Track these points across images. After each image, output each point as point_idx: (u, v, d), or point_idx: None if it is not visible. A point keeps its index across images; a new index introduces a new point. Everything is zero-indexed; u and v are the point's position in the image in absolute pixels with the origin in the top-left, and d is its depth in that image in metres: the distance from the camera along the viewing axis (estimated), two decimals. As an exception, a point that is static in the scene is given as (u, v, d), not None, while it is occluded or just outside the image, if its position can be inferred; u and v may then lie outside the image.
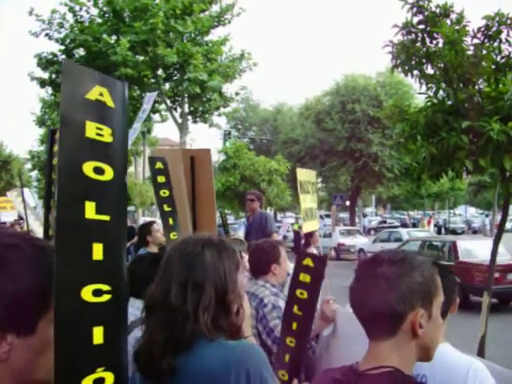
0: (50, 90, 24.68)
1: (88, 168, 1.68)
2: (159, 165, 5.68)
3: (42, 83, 22.91)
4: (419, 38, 6.80)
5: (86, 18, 22.37)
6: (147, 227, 7.72)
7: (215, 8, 22.68)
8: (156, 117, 25.15)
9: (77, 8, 22.20)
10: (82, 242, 1.64)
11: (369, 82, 42.94)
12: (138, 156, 28.03)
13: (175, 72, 21.98)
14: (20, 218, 19.65)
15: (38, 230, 8.92)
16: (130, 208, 34.86)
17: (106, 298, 1.67)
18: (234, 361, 1.93)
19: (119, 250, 1.76)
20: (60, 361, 1.49)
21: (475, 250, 16.51)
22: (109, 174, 1.74)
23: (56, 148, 4.56)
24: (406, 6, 6.75)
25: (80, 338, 1.62)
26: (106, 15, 22.25)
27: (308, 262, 3.62)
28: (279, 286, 4.59)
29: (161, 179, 5.60)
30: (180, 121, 22.14)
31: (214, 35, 22.99)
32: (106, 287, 1.67)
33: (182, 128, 22.02)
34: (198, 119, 22.35)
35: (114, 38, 21.53)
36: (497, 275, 13.23)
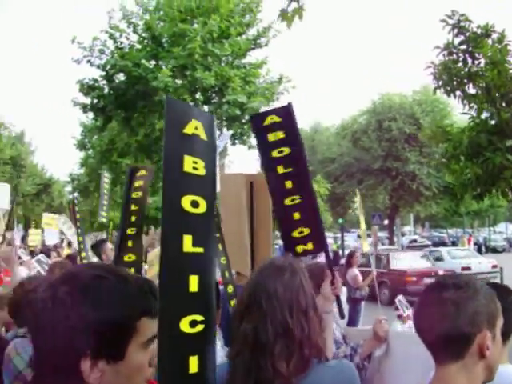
0: (91, 114, 25.20)
1: (186, 202, 1.75)
2: None
3: (85, 108, 23.41)
4: (461, 59, 6.84)
5: (126, 44, 22.83)
6: None
7: (252, 31, 22.94)
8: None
9: (117, 35, 22.69)
10: (180, 275, 1.72)
11: (405, 100, 42.81)
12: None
13: (213, 95, 22.24)
14: (61, 241, 19.95)
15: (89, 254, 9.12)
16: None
17: (199, 328, 1.73)
18: (345, 381, 2.07)
19: (211, 281, 1.81)
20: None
21: (404, 260, 20.73)
22: (202, 206, 1.79)
23: (137, 183, 4.80)
24: (447, 28, 6.81)
25: (178, 368, 1.68)
26: (145, 41, 22.67)
27: (272, 118, 3.47)
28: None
29: None
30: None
31: (252, 58, 23.25)
32: (199, 318, 1.73)
33: (221, 150, 22.20)
34: (236, 141, 22.52)
35: (153, 63, 21.90)
36: (414, 279, 18.17)
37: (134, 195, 4.78)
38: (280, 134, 3.36)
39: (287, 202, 3.48)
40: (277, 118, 3.37)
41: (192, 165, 1.79)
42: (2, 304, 4.44)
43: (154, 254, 8.60)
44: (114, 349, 1.41)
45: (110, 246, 8.63)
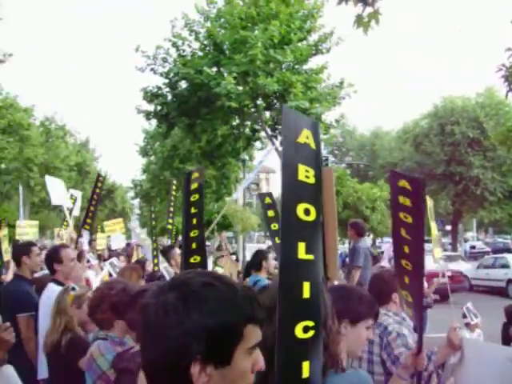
0: (154, 121, 25.72)
1: (300, 210, 1.80)
2: (268, 200, 6.06)
3: (148, 116, 23.93)
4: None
5: (188, 52, 23.22)
6: (264, 254, 7.89)
7: (313, 36, 22.94)
8: (257, 144, 25.64)
9: (179, 43, 23.11)
10: (295, 281, 1.77)
11: (467, 103, 41.93)
12: (238, 183, 28.52)
13: (275, 101, 22.34)
14: (127, 245, 20.35)
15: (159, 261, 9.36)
16: (229, 234, 35.39)
17: (310, 333, 1.77)
18: None
19: (320, 287, 1.85)
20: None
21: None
22: (313, 214, 1.84)
23: (193, 186, 4.92)
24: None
25: (293, 372, 1.73)
26: (207, 48, 22.97)
27: (404, 184, 3.51)
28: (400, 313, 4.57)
29: (270, 213, 6.00)
30: (280, 148, 22.31)
31: (313, 63, 23.24)
32: (311, 323, 1.77)
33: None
34: (299, 148, 22.51)
35: (215, 69, 22.18)
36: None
37: (192, 198, 4.91)
38: (407, 202, 3.40)
39: (403, 263, 3.51)
40: (408, 186, 3.42)
41: (305, 173, 1.84)
42: (79, 303, 4.60)
43: (228, 262, 8.70)
44: (222, 354, 1.45)
45: (178, 251, 8.78)
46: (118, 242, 16.52)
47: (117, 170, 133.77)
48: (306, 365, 1.74)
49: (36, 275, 7.06)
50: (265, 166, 52.95)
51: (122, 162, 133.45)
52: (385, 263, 11.15)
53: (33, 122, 42.05)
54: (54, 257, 5.97)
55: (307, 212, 1.82)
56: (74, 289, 4.67)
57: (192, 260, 4.79)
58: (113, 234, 16.31)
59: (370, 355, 4.11)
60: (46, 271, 7.41)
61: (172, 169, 32.86)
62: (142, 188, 46.52)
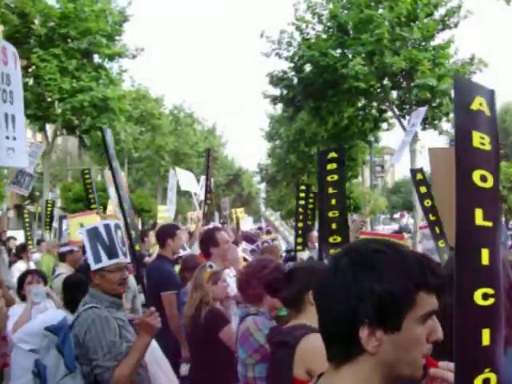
0: (279, 106, 26.03)
1: (476, 176, 1.79)
2: (419, 176, 5.97)
3: (274, 100, 24.27)
4: None
5: (312, 35, 23.14)
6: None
7: (440, 11, 22.14)
8: (383, 125, 25.24)
9: (303, 26, 23.07)
10: (473, 248, 1.76)
11: None
12: (365, 165, 28.29)
13: (401, 80, 21.85)
14: (259, 228, 21.04)
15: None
16: (354, 216, 35.16)
17: (490, 301, 1.74)
18: None
19: (499, 255, 1.82)
20: (457, 360, 1.66)
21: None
22: (490, 181, 1.82)
23: (330, 166, 4.96)
24: None
25: (472, 339, 1.72)
26: (331, 30, 22.80)
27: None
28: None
29: (423, 190, 5.88)
30: (409, 128, 21.83)
31: (439, 39, 22.45)
32: (490, 291, 1.75)
33: (413, 136, 21.73)
34: (427, 126, 21.91)
35: (339, 51, 22.04)
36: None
37: (329, 178, 4.92)
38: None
39: None
40: None
41: (479, 140, 1.83)
42: (215, 279, 4.81)
43: None
44: (391, 319, 1.48)
45: (315, 233, 8.92)
46: (246, 225, 17.13)
47: (243, 155, 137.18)
48: (486, 332, 1.73)
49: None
50: (390, 148, 51.97)
51: (248, 147, 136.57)
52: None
53: (163, 111, 43.81)
54: (210, 240, 5.98)
55: (484, 179, 1.81)
56: (211, 266, 4.89)
57: (331, 240, 4.84)
58: (241, 219, 16.98)
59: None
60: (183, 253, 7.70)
61: (298, 152, 33.08)
62: (267, 172, 47.15)
